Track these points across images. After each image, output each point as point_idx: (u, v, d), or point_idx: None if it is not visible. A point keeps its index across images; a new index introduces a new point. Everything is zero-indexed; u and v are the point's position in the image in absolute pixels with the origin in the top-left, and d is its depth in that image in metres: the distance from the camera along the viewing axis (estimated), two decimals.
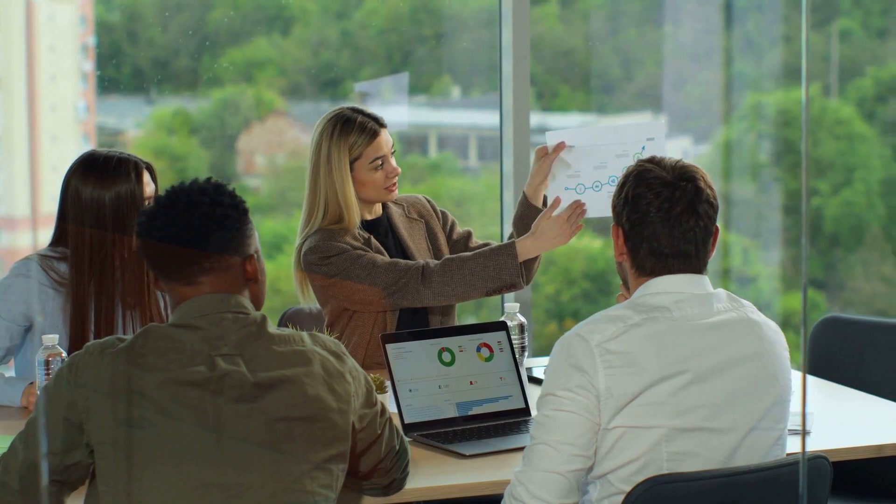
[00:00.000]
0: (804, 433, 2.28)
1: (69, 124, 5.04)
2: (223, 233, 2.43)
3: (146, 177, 3.49)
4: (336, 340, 2.55)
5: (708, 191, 2.64)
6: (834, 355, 3.67)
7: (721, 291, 2.67)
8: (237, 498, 2.37)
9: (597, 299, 6.18)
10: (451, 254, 3.93)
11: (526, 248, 3.68)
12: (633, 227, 2.64)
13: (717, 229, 2.66)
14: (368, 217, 3.84)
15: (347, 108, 3.77)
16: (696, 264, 2.63)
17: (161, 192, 2.48)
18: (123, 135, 5.29)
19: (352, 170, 3.74)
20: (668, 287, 2.62)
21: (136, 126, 5.26)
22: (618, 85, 5.95)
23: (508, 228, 4.73)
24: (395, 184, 3.78)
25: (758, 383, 2.62)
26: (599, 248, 6.18)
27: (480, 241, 4.00)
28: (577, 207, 3.65)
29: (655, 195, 2.62)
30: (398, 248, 3.85)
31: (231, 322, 2.42)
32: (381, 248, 3.77)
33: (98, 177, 3.43)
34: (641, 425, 2.54)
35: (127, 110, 5.26)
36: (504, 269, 3.67)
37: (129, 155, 3.51)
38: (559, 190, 3.71)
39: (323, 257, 3.69)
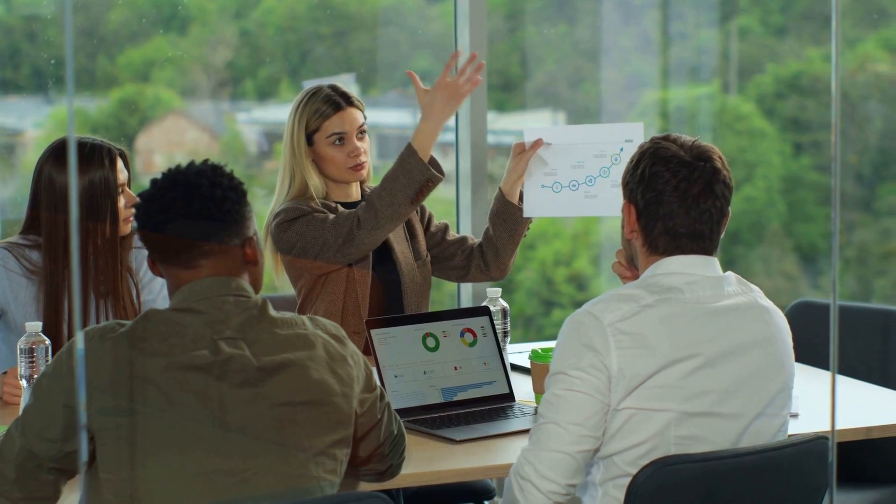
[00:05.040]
0: (833, 411, 2.50)
1: None
2: (223, 215, 2.45)
3: (119, 163, 3.56)
4: (336, 324, 2.59)
5: (724, 171, 2.67)
6: (807, 340, 3.67)
7: (730, 274, 2.71)
8: (243, 484, 2.38)
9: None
10: (429, 248, 4.05)
11: (422, 133, 3.68)
12: (648, 205, 2.67)
13: (728, 211, 2.70)
14: (344, 200, 3.90)
15: (326, 85, 3.87)
16: (708, 245, 2.68)
17: (158, 177, 2.50)
18: (23, 135, 5.36)
19: (312, 143, 3.83)
20: (680, 268, 2.66)
21: (35, 126, 5.34)
22: (516, 83, 6.09)
23: (464, 228, 4.88)
24: (359, 165, 3.84)
25: (765, 369, 2.68)
26: None
27: (458, 235, 4.09)
28: (455, 63, 3.69)
29: (673, 174, 2.64)
30: None
31: (233, 305, 2.44)
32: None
33: None
34: (651, 408, 2.58)
35: (26, 110, 5.33)
36: (414, 169, 3.65)
37: (102, 141, 3.58)
38: (535, 187, 3.81)
39: (284, 221, 3.76)
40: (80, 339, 2.41)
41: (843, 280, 6.60)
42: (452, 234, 4.10)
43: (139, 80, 5.46)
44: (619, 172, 3.70)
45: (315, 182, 3.85)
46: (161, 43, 5.44)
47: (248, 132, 5.85)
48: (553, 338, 4.53)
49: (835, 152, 2.28)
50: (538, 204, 3.84)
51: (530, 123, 6.14)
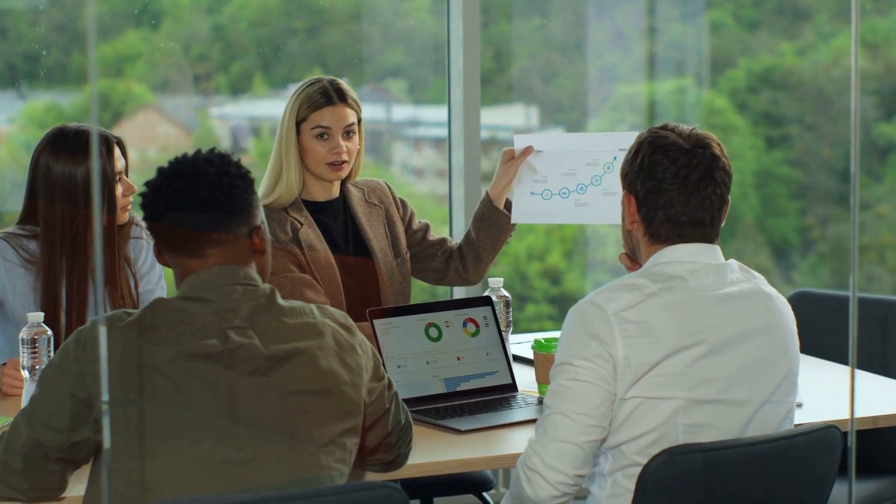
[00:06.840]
0: (853, 398, 2.53)
1: None
2: (231, 204, 2.45)
3: (117, 151, 3.57)
4: (344, 313, 2.59)
5: (723, 158, 2.71)
6: (806, 329, 3.61)
7: (733, 262, 2.74)
8: (253, 472, 2.39)
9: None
10: (409, 245, 4.00)
11: None
12: (648, 194, 2.70)
13: (728, 199, 2.74)
14: (321, 198, 3.88)
15: (327, 78, 3.83)
16: (709, 233, 2.71)
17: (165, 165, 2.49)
18: None
19: (300, 132, 3.79)
20: (683, 256, 2.69)
21: (7, 121, 5.36)
22: (490, 77, 6.09)
23: (457, 222, 4.90)
24: (340, 163, 3.78)
25: (770, 356, 2.71)
26: None
27: (438, 237, 4.07)
28: None
29: (672, 162, 2.68)
30: (354, 231, 3.90)
31: (241, 294, 2.45)
32: (312, 241, 3.78)
33: (69, 152, 3.51)
34: (658, 396, 2.60)
35: None
36: None
37: (99, 129, 3.61)
38: (524, 194, 3.81)
39: None
40: (102, 330, 2.41)
41: (819, 273, 6.66)
42: (433, 235, 4.08)
43: (112, 75, 5.48)
44: (611, 180, 3.74)
45: (292, 177, 3.80)
46: (133, 38, 5.46)
47: (221, 127, 5.87)
48: (525, 332, 4.56)
49: (854, 152, 2.31)
50: (527, 210, 3.85)
51: (507, 119, 6.17)
